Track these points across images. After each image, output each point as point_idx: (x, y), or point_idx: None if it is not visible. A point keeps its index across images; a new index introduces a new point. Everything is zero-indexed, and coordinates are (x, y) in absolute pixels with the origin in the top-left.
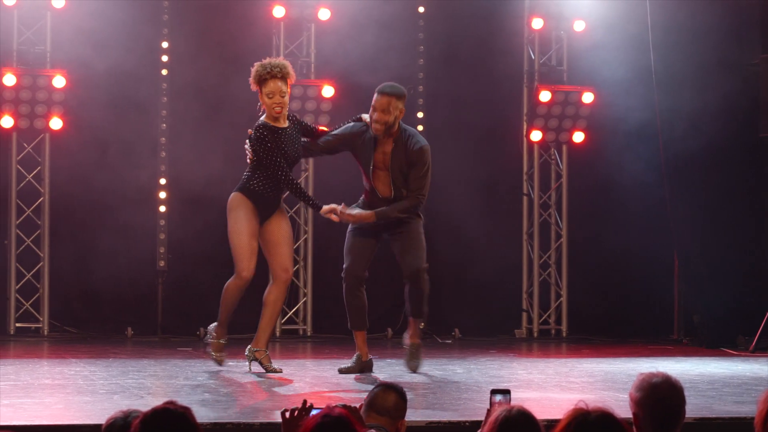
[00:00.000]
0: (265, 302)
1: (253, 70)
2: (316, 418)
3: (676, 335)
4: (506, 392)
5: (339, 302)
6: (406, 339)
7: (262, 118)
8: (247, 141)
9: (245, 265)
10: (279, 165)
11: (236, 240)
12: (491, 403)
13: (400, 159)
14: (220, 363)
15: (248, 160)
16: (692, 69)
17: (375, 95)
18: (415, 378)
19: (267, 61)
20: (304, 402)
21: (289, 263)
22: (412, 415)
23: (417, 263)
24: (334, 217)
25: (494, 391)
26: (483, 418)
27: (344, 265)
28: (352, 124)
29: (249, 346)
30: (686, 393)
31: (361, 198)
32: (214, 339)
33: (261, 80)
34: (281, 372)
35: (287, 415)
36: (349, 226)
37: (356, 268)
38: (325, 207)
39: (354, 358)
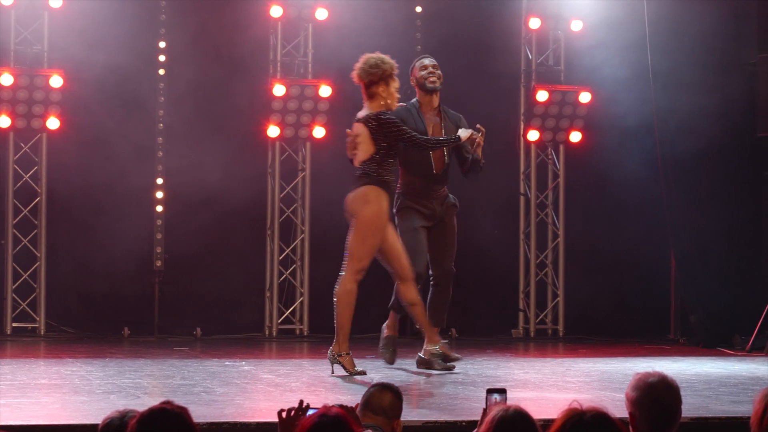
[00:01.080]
0: (413, 302)
1: (377, 65)
2: (312, 417)
3: (672, 335)
4: (502, 391)
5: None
6: (426, 351)
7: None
8: (356, 137)
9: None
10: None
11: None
12: (487, 403)
13: (449, 127)
14: (451, 368)
15: (356, 161)
16: (690, 69)
17: (419, 61)
18: (412, 377)
19: (381, 56)
20: (301, 402)
21: None
22: (408, 415)
23: (450, 266)
24: (477, 137)
25: (490, 391)
26: (479, 418)
27: (413, 268)
28: (397, 109)
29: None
30: (683, 393)
31: (399, 186)
32: (436, 348)
33: (390, 76)
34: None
35: (284, 414)
36: (413, 223)
37: (424, 269)
38: (463, 134)
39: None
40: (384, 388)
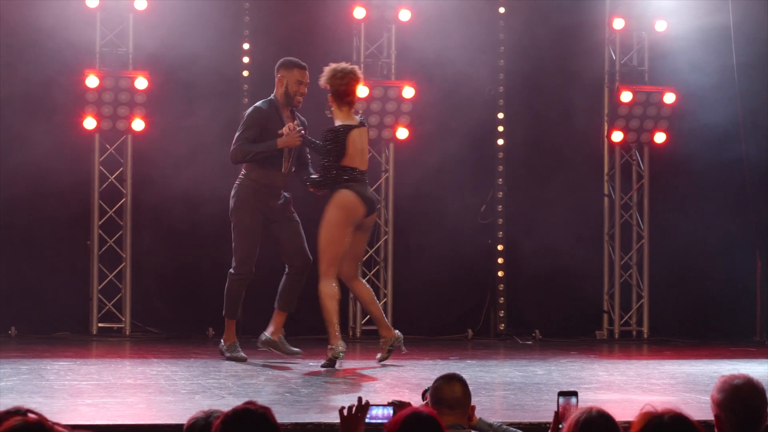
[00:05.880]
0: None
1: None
2: (403, 415)
3: (758, 337)
4: (574, 394)
5: (417, 303)
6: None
7: None
8: None
9: None
10: None
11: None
12: (558, 405)
13: None
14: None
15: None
16: None
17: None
18: (495, 379)
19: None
20: (359, 399)
21: None
22: (493, 416)
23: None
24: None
25: (561, 393)
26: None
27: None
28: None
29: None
30: None
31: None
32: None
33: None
34: None
35: (345, 412)
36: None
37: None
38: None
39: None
40: (450, 379)
